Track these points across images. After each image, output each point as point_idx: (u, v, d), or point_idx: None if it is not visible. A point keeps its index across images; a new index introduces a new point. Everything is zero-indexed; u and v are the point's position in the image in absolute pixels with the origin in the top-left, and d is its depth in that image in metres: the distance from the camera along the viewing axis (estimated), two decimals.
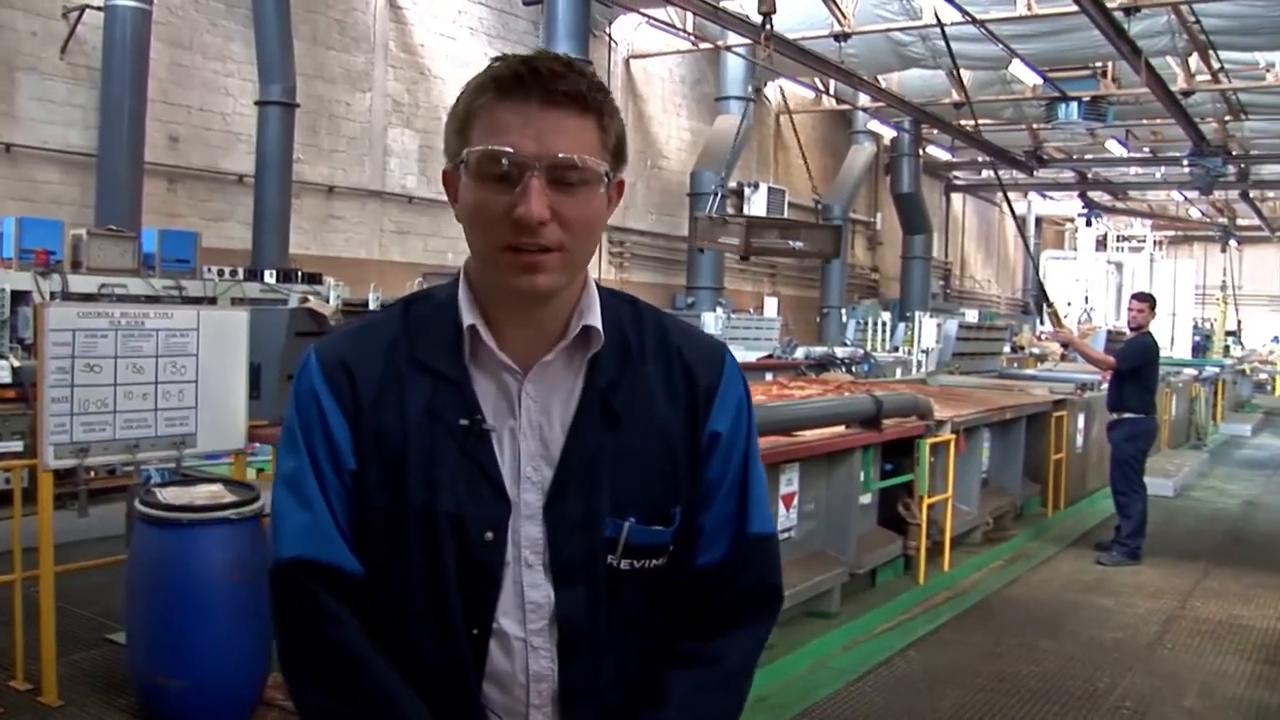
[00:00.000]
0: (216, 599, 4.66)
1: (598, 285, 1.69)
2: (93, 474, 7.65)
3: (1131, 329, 9.88)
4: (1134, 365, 9.40)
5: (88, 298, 9.36)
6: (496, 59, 1.57)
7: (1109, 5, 15.44)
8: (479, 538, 1.58)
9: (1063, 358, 22.12)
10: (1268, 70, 21.14)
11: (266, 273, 12.08)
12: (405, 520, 1.58)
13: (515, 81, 1.52)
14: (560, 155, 1.50)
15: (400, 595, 1.61)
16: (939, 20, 16.30)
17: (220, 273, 11.39)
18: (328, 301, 10.86)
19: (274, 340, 6.05)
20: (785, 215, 23.71)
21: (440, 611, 1.59)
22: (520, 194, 1.49)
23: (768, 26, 12.79)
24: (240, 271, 11.72)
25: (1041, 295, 15.90)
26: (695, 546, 1.71)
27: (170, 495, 4.81)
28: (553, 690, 1.61)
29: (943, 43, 18.74)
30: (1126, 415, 9.39)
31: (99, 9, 12.16)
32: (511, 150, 1.49)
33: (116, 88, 12.02)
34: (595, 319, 1.62)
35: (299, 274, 12.37)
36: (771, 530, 1.80)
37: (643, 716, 1.66)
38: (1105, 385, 12.72)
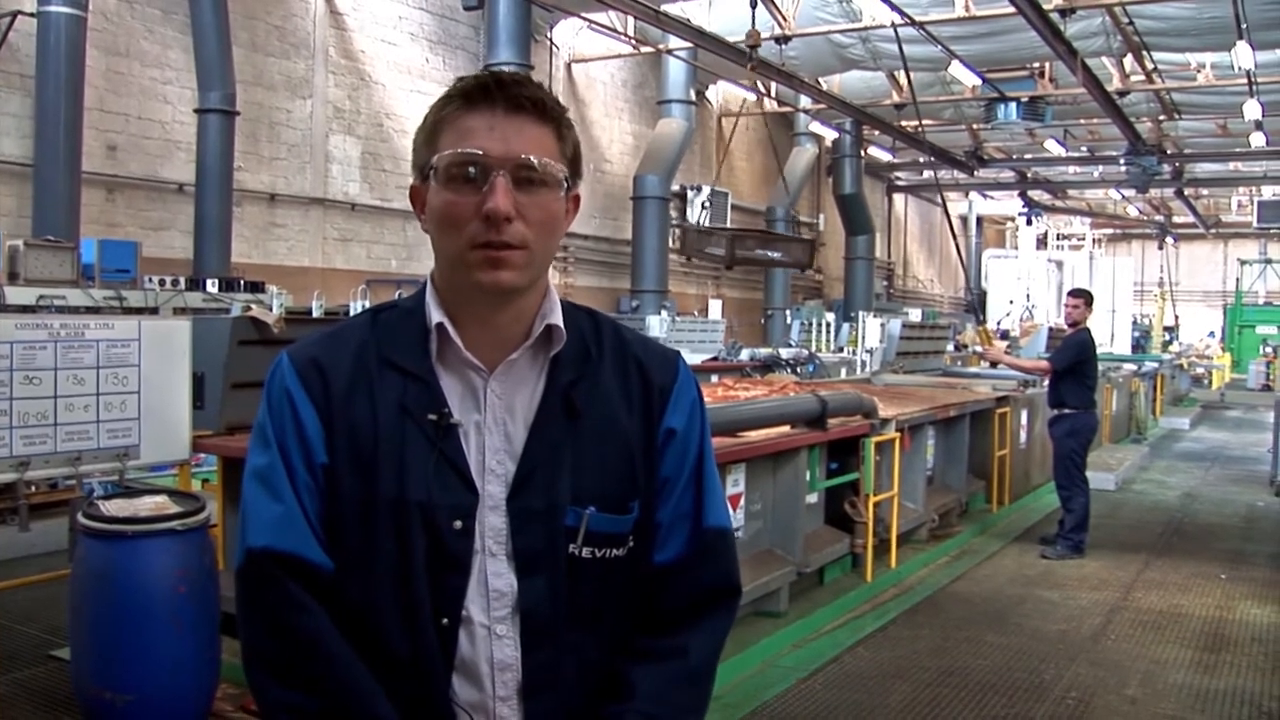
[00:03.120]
0: (163, 611, 4.60)
1: (562, 300, 1.76)
2: (34, 488, 7.56)
3: (1068, 325, 10.01)
4: (1069, 363, 9.53)
5: (26, 309, 9.21)
6: (460, 78, 1.67)
7: (1045, 6, 15.65)
8: (448, 527, 1.63)
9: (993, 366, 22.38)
10: (1199, 71, 21.53)
11: (209, 282, 11.97)
12: (377, 510, 1.63)
13: (481, 91, 1.62)
14: (524, 156, 1.59)
15: (371, 586, 1.64)
16: (893, 22, 16.43)
17: (162, 282, 11.27)
18: (271, 310, 10.77)
19: (217, 349, 5.98)
20: (729, 217, 23.90)
21: (410, 601, 1.63)
22: (488, 192, 1.57)
23: (754, 57, 13.26)
24: (182, 281, 11.61)
25: (975, 313, 16.19)
26: (653, 543, 1.76)
27: (114, 507, 4.75)
28: (517, 681, 1.65)
29: (882, 45, 18.99)
30: (1066, 411, 9.50)
31: (31, 15, 12.00)
32: (480, 152, 1.58)
33: (51, 96, 11.87)
34: (558, 319, 1.69)
35: (241, 283, 12.28)
36: (728, 525, 1.85)
37: (610, 710, 1.69)
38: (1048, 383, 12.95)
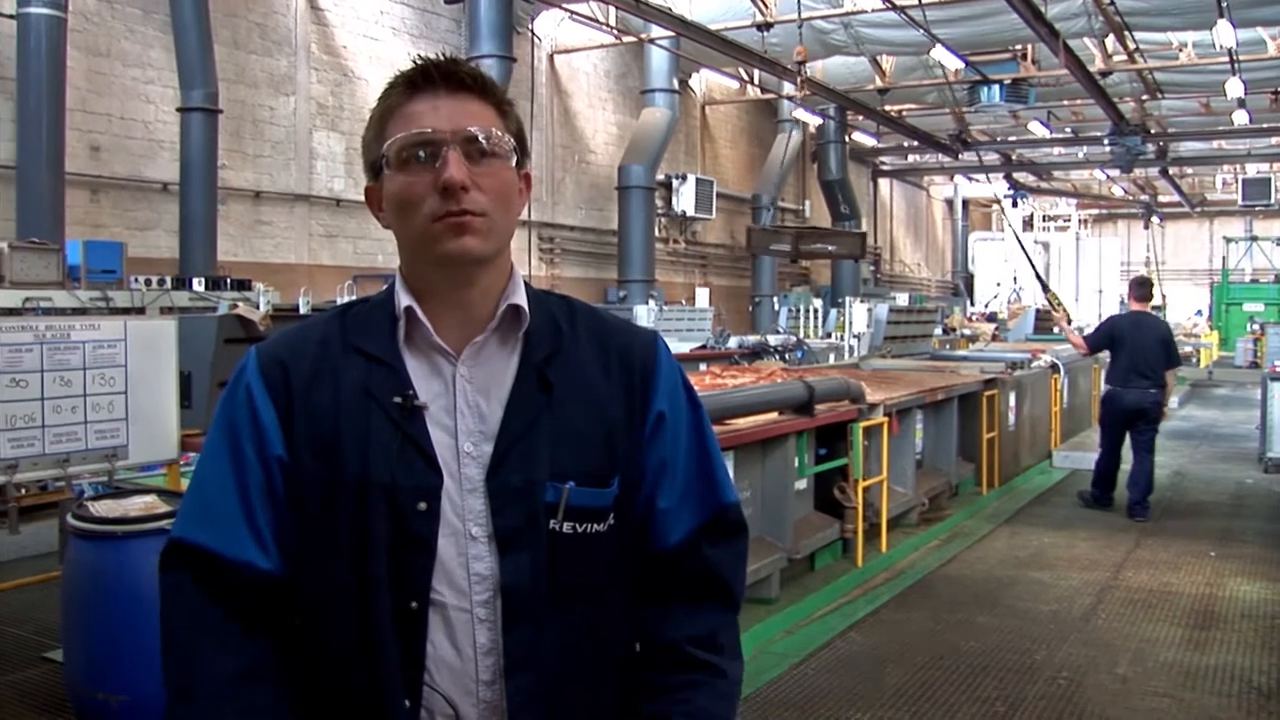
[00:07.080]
0: (154, 611, 4.58)
1: (531, 285, 1.77)
2: (23, 490, 7.54)
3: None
4: (1094, 346, 10.86)
5: (11, 312, 9.17)
6: (399, 72, 1.71)
7: None
8: (412, 508, 1.62)
9: (994, 338, 22.48)
10: (1181, 50, 21.56)
11: (195, 281, 11.93)
12: (339, 495, 1.63)
13: (422, 76, 1.66)
14: (470, 129, 1.63)
15: (332, 574, 1.64)
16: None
17: (148, 282, 11.21)
18: (258, 308, 10.76)
19: (204, 348, 6.00)
20: (715, 205, 24.08)
21: (377, 585, 1.62)
22: (441, 166, 1.61)
23: (804, 72, 14.20)
24: (168, 280, 11.55)
25: (1042, 282, 17.44)
26: (661, 529, 1.78)
27: (103, 508, 4.75)
28: (498, 662, 1.64)
29: (864, 30, 18.95)
30: (1106, 387, 10.67)
31: (10, 17, 11.95)
32: (429, 130, 1.62)
33: (33, 98, 11.81)
34: (521, 299, 1.70)
35: (228, 281, 12.23)
36: (738, 499, 1.89)
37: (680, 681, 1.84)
38: (1037, 363, 13.42)
